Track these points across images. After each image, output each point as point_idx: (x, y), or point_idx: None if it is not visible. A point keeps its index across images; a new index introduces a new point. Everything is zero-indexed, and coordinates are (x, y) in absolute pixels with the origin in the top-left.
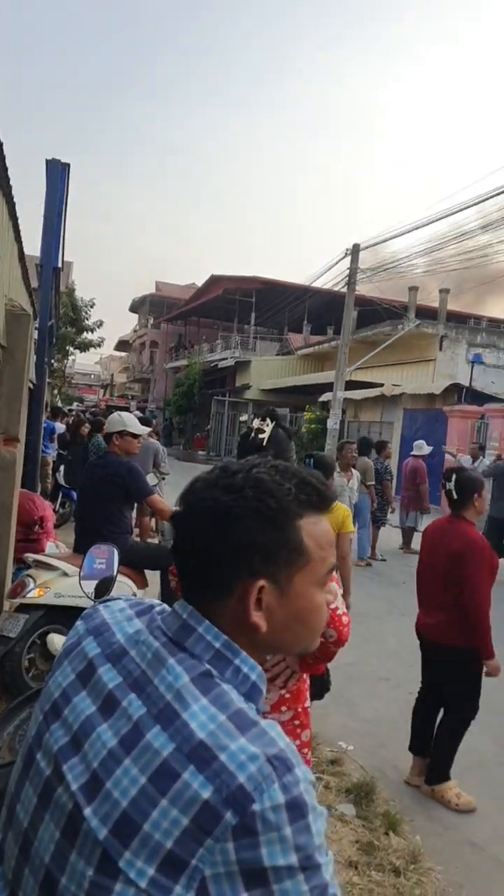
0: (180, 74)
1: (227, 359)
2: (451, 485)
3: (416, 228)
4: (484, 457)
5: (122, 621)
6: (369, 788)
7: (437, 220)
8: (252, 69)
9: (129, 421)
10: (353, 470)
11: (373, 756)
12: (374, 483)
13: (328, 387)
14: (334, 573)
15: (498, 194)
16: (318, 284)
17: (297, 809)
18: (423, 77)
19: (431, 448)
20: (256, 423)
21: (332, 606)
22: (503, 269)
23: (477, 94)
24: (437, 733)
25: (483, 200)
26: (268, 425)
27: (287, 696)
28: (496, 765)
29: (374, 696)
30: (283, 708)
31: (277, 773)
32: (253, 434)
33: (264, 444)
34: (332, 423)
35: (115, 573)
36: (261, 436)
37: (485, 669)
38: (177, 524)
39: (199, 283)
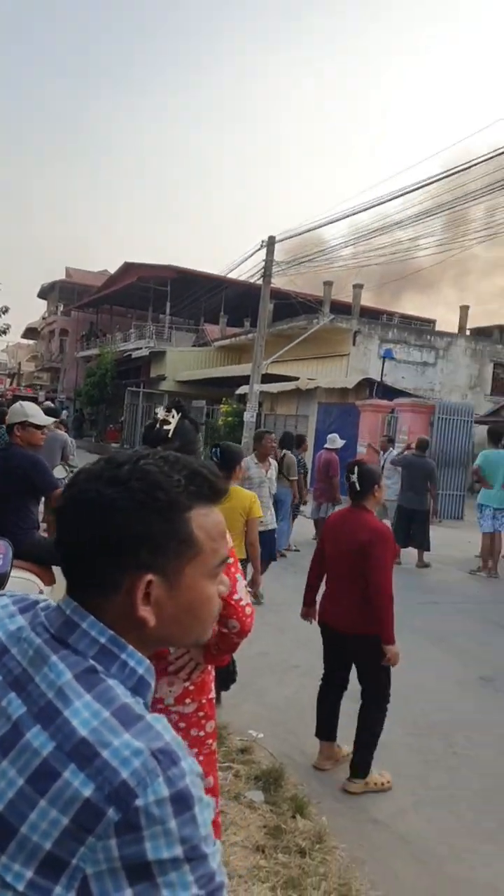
0: (108, 50)
1: (141, 349)
2: (354, 477)
3: (331, 223)
4: (393, 448)
5: (4, 618)
6: (278, 774)
7: (343, 217)
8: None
9: (31, 411)
10: (270, 460)
11: (283, 742)
12: (297, 478)
13: (245, 379)
14: (232, 560)
15: (409, 192)
16: (234, 275)
17: (182, 802)
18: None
19: (345, 441)
20: (162, 414)
21: (236, 598)
22: (418, 265)
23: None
24: (359, 728)
25: (388, 200)
26: (173, 416)
27: (191, 688)
28: (399, 745)
29: (285, 685)
30: (188, 700)
31: (162, 766)
32: (158, 425)
33: (170, 435)
34: (249, 416)
35: (9, 569)
36: (166, 427)
37: (385, 656)
38: (60, 518)
39: (112, 270)
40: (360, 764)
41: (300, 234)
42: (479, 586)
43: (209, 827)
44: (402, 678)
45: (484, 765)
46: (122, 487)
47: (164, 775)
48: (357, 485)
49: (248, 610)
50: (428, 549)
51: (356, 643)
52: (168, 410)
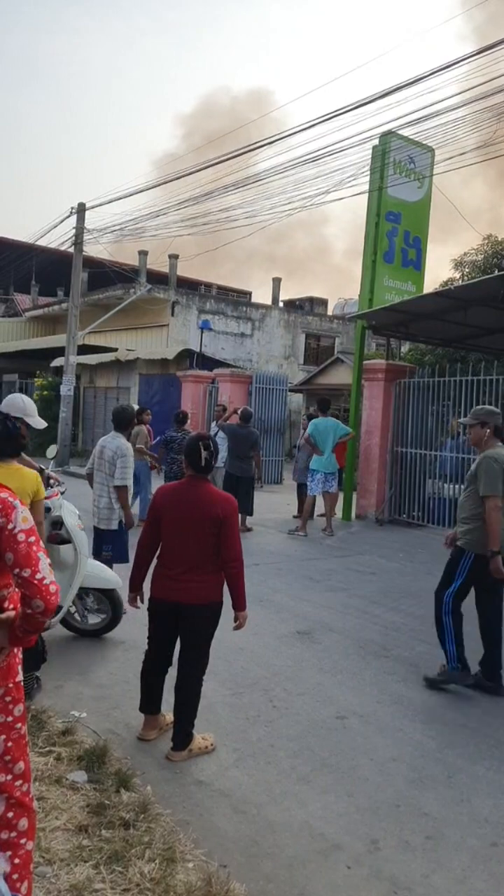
0: None
1: None
2: (209, 451)
3: (140, 192)
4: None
5: None
6: (102, 752)
7: (155, 186)
8: None
9: None
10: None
11: (107, 718)
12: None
13: (60, 351)
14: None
15: (212, 165)
16: (44, 242)
17: None
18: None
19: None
20: None
21: (38, 577)
22: (227, 236)
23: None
24: (181, 702)
25: (200, 170)
26: None
27: None
28: (221, 705)
29: (110, 661)
30: None
31: None
32: None
33: None
34: (66, 389)
35: None
36: None
37: (237, 621)
38: None
39: None
40: (183, 735)
41: (110, 201)
42: (296, 546)
43: None
44: (223, 641)
45: (299, 713)
46: None
47: None
48: (212, 460)
49: (52, 588)
50: (251, 514)
51: (196, 614)
52: None
